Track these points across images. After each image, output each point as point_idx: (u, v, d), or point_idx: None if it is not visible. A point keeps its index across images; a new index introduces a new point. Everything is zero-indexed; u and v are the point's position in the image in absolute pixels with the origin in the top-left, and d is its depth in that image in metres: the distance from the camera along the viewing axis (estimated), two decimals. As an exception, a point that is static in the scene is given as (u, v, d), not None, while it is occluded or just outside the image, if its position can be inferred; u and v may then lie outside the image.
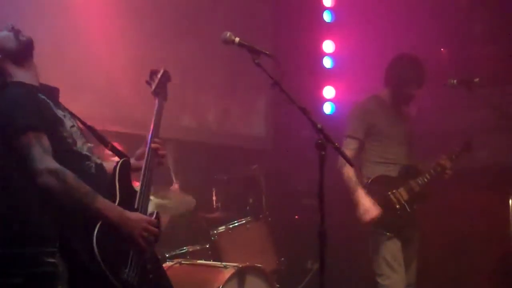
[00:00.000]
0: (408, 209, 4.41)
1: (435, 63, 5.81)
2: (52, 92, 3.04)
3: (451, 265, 5.50)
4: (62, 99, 3.42)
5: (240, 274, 4.20)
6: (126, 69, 5.31)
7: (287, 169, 5.70)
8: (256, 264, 4.39)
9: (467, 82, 4.45)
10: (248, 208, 5.35)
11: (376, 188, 4.40)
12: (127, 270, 2.72)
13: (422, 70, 4.56)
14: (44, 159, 2.68)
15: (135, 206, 2.90)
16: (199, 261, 4.55)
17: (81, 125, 3.08)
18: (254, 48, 2.95)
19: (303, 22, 6.84)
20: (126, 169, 2.99)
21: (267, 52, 2.95)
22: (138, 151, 3.22)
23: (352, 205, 4.48)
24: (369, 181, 4.43)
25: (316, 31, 6.92)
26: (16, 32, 3.01)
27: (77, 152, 2.88)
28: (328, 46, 6.93)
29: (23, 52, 3.00)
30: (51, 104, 2.91)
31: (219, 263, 4.42)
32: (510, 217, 4.93)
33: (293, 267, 5.50)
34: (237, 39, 2.97)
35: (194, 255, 4.72)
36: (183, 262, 4.41)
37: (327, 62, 6.95)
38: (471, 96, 4.51)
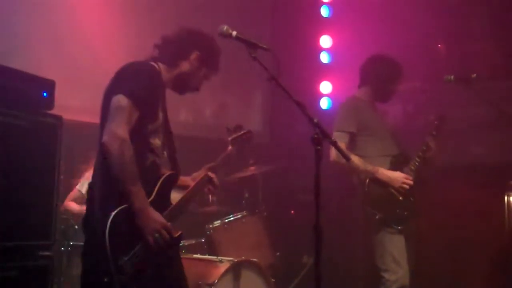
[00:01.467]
0: (411, 198, 4.44)
1: (433, 59, 5.82)
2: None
3: (447, 262, 5.50)
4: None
5: (235, 269, 4.20)
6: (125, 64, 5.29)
7: (283, 164, 5.69)
8: (251, 259, 4.39)
9: (465, 78, 4.46)
10: (244, 202, 5.34)
11: (375, 185, 4.40)
12: (126, 259, 2.81)
13: (400, 67, 4.67)
14: (122, 126, 2.87)
15: (163, 214, 3.01)
16: (194, 255, 4.56)
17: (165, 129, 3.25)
18: (251, 42, 2.95)
19: (301, 17, 6.84)
20: (171, 181, 3.15)
21: (264, 46, 2.96)
22: (196, 174, 3.44)
23: (348, 198, 4.49)
24: (367, 180, 4.42)
25: (314, 26, 6.92)
26: None
27: (147, 143, 3.05)
28: (325, 41, 6.93)
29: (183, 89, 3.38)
30: (161, 102, 3.14)
31: (214, 257, 4.42)
32: (505, 214, 4.94)
33: (288, 262, 5.51)
34: (234, 33, 2.96)
35: (190, 249, 4.72)
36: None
37: (324, 57, 6.95)
38: (468, 92, 4.51)
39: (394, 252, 4.36)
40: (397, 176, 4.42)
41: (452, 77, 4.49)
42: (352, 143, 4.52)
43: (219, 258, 4.33)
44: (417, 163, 4.50)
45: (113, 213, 2.80)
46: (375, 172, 4.40)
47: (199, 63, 3.28)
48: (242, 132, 3.60)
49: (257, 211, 5.21)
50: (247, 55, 2.95)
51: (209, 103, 6.49)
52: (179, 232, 3.06)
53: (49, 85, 3.42)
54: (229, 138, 3.57)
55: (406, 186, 4.39)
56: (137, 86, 2.97)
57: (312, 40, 6.92)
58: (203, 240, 4.85)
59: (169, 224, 2.97)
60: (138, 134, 2.96)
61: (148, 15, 5.64)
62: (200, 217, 5.13)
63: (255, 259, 4.40)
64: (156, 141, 3.11)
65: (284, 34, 6.74)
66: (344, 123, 4.54)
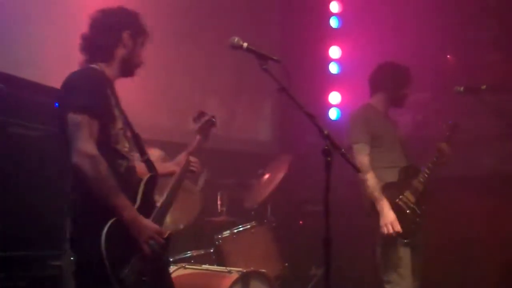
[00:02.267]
0: (418, 212, 4.42)
1: (442, 70, 5.81)
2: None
3: (456, 271, 5.48)
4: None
5: (244, 279, 4.19)
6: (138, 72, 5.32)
7: (293, 175, 5.68)
8: (260, 270, 4.38)
9: (474, 89, 4.45)
10: (252, 213, 5.33)
11: (385, 197, 4.38)
12: (126, 271, 2.81)
13: (409, 71, 4.71)
14: (88, 143, 2.83)
15: (151, 218, 3.04)
16: (203, 266, 4.54)
17: (129, 132, 3.20)
18: (262, 53, 2.96)
19: (310, 28, 6.86)
20: (152, 184, 3.14)
21: (275, 58, 2.97)
22: (179, 158, 3.51)
23: (357, 210, 4.48)
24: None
25: (323, 37, 6.94)
26: None
27: (115, 149, 3.01)
28: (334, 51, 6.94)
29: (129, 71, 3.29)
30: (114, 102, 3.08)
31: (223, 268, 4.41)
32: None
33: (297, 273, 5.49)
34: (245, 44, 2.98)
35: (198, 259, 4.71)
36: (187, 266, 4.40)
37: (333, 68, 6.96)
38: (478, 103, 4.51)
39: (398, 264, 4.34)
40: (388, 217, 4.29)
41: (462, 88, 4.49)
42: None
43: (228, 268, 4.32)
44: (426, 175, 4.48)
45: (105, 229, 2.78)
46: (377, 201, 4.36)
47: (133, 40, 3.23)
48: (205, 119, 3.67)
49: (266, 221, 5.20)
50: (257, 65, 2.96)
51: (218, 113, 6.48)
52: (168, 232, 3.08)
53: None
54: (196, 128, 3.63)
55: (386, 230, 4.28)
56: (86, 96, 2.92)
57: (321, 50, 6.93)
58: (211, 251, 4.84)
59: (160, 228, 3.01)
60: (105, 144, 2.94)
61: (157, 26, 5.64)
62: (209, 227, 5.13)
63: (263, 270, 4.39)
64: (125, 145, 3.08)
65: (293, 44, 6.75)
66: (361, 134, 4.51)
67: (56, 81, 3.46)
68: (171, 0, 5.81)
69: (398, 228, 4.29)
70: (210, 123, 3.71)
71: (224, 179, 5.47)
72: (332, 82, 6.96)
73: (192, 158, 3.54)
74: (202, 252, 4.82)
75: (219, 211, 5.26)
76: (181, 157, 3.55)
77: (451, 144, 4.59)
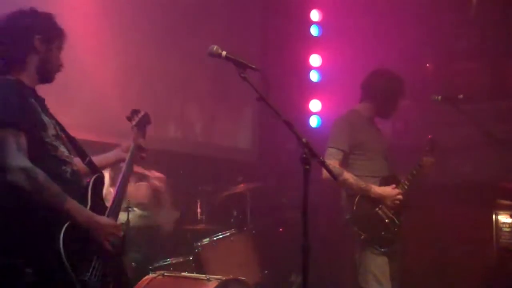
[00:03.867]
0: (396, 222, 4.43)
1: (421, 78, 5.87)
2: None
3: (436, 279, 5.52)
4: (51, 109, 3.42)
5: (223, 287, 4.18)
6: (113, 81, 5.32)
7: (272, 182, 5.70)
8: (239, 277, 4.37)
9: (451, 98, 4.50)
10: (232, 220, 5.33)
11: (363, 205, 4.40)
12: (88, 274, 2.78)
13: (402, 82, 4.64)
14: (17, 157, 2.70)
15: (106, 215, 3.00)
16: (182, 273, 4.52)
17: (64, 136, 3.11)
18: (241, 61, 2.97)
19: (291, 36, 6.89)
20: (99, 183, 3.10)
21: (253, 66, 2.97)
22: (125, 144, 3.43)
23: (336, 217, 4.49)
24: (357, 199, 4.42)
25: (303, 45, 6.97)
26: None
27: (55, 157, 2.92)
28: (315, 60, 6.98)
29: (47, 76, 3.11)
30: (39, 108, 2.95)
31: (202, 275, 4.40)
32: (493, 231, 4.96)
33: (276, 280, 5.50)
34: (224, 53, 2.98)
35: (177, 267, 4.70)
36: (166, 274, 4.38)
37: (314, 76, 7.00)
38: (455, 112, 4.55)
39: (376, 272, 4.35)
40: (389, 193, 4.41)
41: (439, 97, 4.53)
42: (344, 161, 4.48)
43: (207, 276, 4.30)
44: (406, 186, 4.50)
45: (61, 234, 2.70)
46: (369, 190, 4.39)
47: (45, 44, 3.02)
48: (140, 115, 3.59)
49: (245, 229, 5.21)
50: (237, 74, 2.97)
51: (198, 120, 6.50)
52: (121, 223, 3.13)
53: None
54: (132, 125, 3.54)
55: (397, 202, 4.39)
56: (4, 110, 2.76)
57: (302, 58, 6.97)
58: (191, 258, 4.83)
59: (119, 224, 3.00)
60: (42, 153, 2.84)
61: (138, 34, 5.66)
62: (188, 234, 5.12)
63: (243, 278, 4.39)
64: (62, 149, 2.98)
65: (274, 52, 6.78)
66: (338, 140, 4.49)
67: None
68: (151, 7, 5.80)
69: (401, 197, 4.37)
70: (146, 119, 3.61)
71: (204, 186, 5.47)
72: (312, 90, 7.00)
73: (141, 143, 3.45)
74: (181, 260, 4.81)
75: (198, 218, 5.26)
76: (122, 147, 3.47)
77: (431, 159, 4.60)
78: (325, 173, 4.28)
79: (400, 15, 6.15)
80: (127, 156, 3.38)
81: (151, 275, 4.33)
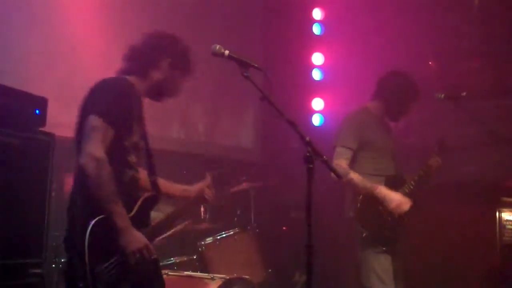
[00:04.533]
0: (400, 221, 4.42)
1: (423, 77, 5.86)
2: None
3: (439, 278, 5.50)
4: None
5: (227, 286, 4.18)
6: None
7: (275, 181, 5.70)
8: (243, 276, 4.38)
9: (455, 96, 4.49)
10: (236, 219, 5.34)
11: (367, 203, 4.39)
12: (103, 267, 2.82)
13: (418, 90, 4.61)
14: (98, 146, 2.87)
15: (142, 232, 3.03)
16: (186, 273, 4.53)
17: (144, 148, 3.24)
18: (244, 61, 2.97)
19: (293, 35, 6.89)
20: (151, 202, 3.15)
21: (256, 65, 2.97)
22: (198, 187, 3.48)
23: (340, 216, 4.49)
24: (361, 197, 4.41)
25: (306, 44, 6.97)
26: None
27: (124, 158, 3.05)
28: (317, 58, 6.98)
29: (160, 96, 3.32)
30: (135, 115, 3.11)
31: (206, 274, 4.40)
32: (497, 230, 4.95)
33: (280, 279, 5.50)
34: (226, 52, 2.98)
35: (181, 266, 4.70)
36: (170, 273, 4.38)
37: (316, 74, 7.00)
38: (458, 110, 4.54)
39: (378, 270, 4.35)
40: (394, 198, 4.39)
41: (442, 95, 4.52)
42: (352, 159, 4.48)
43: (211, 275, 4.31)
44: (411, 187, 4.47)
45: (93, 221, 2.81)
46: (374, 190, 4.38)
47: (171, 69, 3.26)
48: (219, 171, 3.64)
49: (249, 228, 5.21)
50: (240, 73, 2.97)
51: (201, 120, 6.50)
52: (154, 256, 3.06)
53: (42, 103, 3.43)
54: (209, 177, 3.57)
55: (399, 211, 4.37)
56: (109, 104, 2.98)
57: (304, 57, 6.96)
58: (194, 257, 4.83)
59: (150, 245, 2.99)
60: (115, 152, 2.96)
61: (139, 32, 5.65)
62: (192, 234, 5.12)
63: (247, 276, 4.39)
64: (133, 156, 3.10)
65: (276, 51, 6.78)
66: (347, 138, 4.48)
67: (37, 88, 3.45)
68: (152, 6, 5.80)
69: (408, 205, 4.34)
70: (224, 178, 3.71)
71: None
72: (315, 88, 6.99)
73: (207, 192, 3.50)
74: (185, 259, 4.81)
75: (202, 217, 5.26)
76: (194, 187, 3.52)
77: (439, 159, 4.59)
78: (339, 173, 4.25)
79: (402, 13, 6.13)
80: (191, 198, 3.46)
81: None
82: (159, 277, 3.23)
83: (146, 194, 3.13)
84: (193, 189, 3.49)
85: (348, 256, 4.87)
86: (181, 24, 6.07)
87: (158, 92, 3.27)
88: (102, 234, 2.82)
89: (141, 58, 3.22)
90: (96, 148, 2.86)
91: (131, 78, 3.17)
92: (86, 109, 2.99)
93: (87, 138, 2.89)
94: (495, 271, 5.12)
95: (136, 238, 2.91)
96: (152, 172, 3.25)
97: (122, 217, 2.87)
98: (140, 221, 3.03)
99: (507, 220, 4.98)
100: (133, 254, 2.89)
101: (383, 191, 4.37)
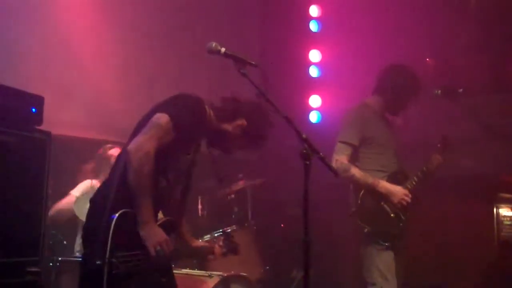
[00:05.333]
0: (402, 217, 4.42)
1: (421, 73, 5.86)
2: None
3: (437, 273, 5.52)
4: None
5: (224, 283, 4.20)
6: (113, 79, 5.32)
7: (273, 178, 5.69)
8: (241, 273, 4.39)
9: (452, 92, 4.50)
10: (233, 216, 5.33)
11: (369, 199, 4.40)
12: (121, 255, 2.84)
13: (419, 84, 4.59)
14: (152, 140, 2.92)
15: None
16: (183, 270, 4.54)
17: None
18: (240, 58, 2.97)
19: (290, 32, 6.88)
20: (169, 227, 3.15)
21: (253, 62, 2.98)
22: (212, 250, 3.59)
23: (337, 212, 4.49)
24: (362, 192, 4.42)
25: (303, 41, 6.97)
26: None
27: (165, 167, 3.09)
28: (314, 55, 6.98)
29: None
30: (197, 139, 3.28)
31: (204, 271, 4.41)
32: (494, 225, 4.97)
33: (278, 276, 5.50)
34: (223, 49, 2.99)
35: (179, 264, 4.69)
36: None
37: (314, 71, 6.99)
38: (455, 106, 4.55)
39: (381, 266, 4.35)
40: (397, 191, 4.40)
41: (439, 91, 4.54)
42: (353, 155, 4.49)
43: (209, 272, 4.32)
44: (414, 182, 4.48)
45: (123, 210, 2.85)
46: (376, 185, 4.38)
47: (241, 132, 3.33)
48: (225, 242, 3.71)
49: (246, 225, 5.21)
50: (236, 70, 2.97)
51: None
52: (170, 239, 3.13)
53: (38, 101, 3.42)
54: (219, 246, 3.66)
55: (404, 203, 4.37)
56: (183, 112, 3.04)
57: (301, 54, 6.96)
58: (192, 255, 4.83)
59: (170, 240, 3.05)
60: (162, 157, 2.99)
61: (136, 30, 5.66)
62: (189, 231, 5.11)
63: (244, 274, 4.40)
64: (171, 174, 3.17)
65: (273, 48, 6.78)
66: (349, 134, 4.49)
67: (35, 87, 3.44)
68: (149, 5, 5.80)
69: (409, 198, 4.36)
70: (233, 247, 3.75)
71: (205, 182, 5.46)
72: (312, 85, 6.99)
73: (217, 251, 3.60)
74: (183, 256, 4.80)
75: (199, 215, 5.25)
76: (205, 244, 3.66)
77: (442, 156, 4.59)
78: (340, 168, 4.26)
79: (399, 9, 6.13)
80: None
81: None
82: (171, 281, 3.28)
83: (171, 218, 3.19)
84: (203, 248, 3.60)
85: (345, 252, 4.88)
86: (176, 20, 6.07)
87: (217, 139, 3.36)
88: (127, 226, 2.87)
89: (226, 104, 3.33)
90: (150, 141, 2.92)
91: (209, 110, 3.25)
92: (158, 109, 3.05)
93: (146, 129, 2.95)
94: (492, 266, 5.13)
95: (158, 232, 2.98)
96: (184, 196, 3.35)
97: (149, 212, 2.94)
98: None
99: (504, 216, 5.00)
100: (153, 246, 2.95)
101: (386, 186, 4.38)
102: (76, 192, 5.01)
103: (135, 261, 2.91)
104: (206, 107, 3.24)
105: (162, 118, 2.98)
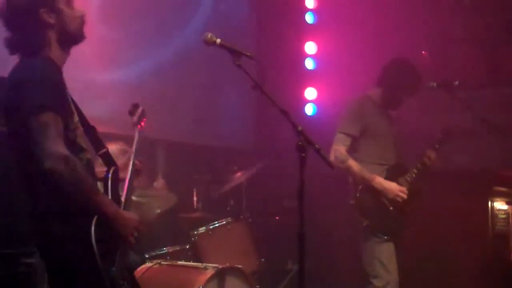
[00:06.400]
0: (402, 210, 4.43)
1: (416, 65, 5.86)
2: None
3: (432, 268, 5.53)
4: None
5: (220, 275, 4.19)
6: (106, 72, 5.30)
7: (268, 170, 5.69)
8: (236, 265, 4.39)
9: (447, 85, 4.49)
10: (228, 209, 5.33)
11: (368, 193, 4.40)
12: (114, 269, 2.74)
13: (419, 79, 4.59)
14: (57, 143, 2.55)
15: (122, 208, 2.94)
16: (179, 262, 4.54)
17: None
18: (235, 49, 2.96)
19: (286, 24, 6.86)
20: (117, 176, 3.01)
21: (248, 54, 2.96)
22: (120, 162, 3.24)
23: (335, 206, 4.49)
24: (361, 186, 4.42)
25: (299, 33, 6.94)
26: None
27: (75, 143, 2.77)
28: (310, 47, 6.96)
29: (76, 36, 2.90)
30: (69, 95, 2.85)
31: (199, 264, 4.40)
32: (489, 219, 4.98)
33: (273, 268, 5.50)
34: (218, 40, 2.97)
35: (174, 255, 4.70)
36: (162, 262, 4.39)
37: (309, 64, 6.98)
38: (450, 99, 4.55)
39: (383, 258, 4.37)
40: (392, 188, 4.40)
41: (434, 84, 4.53)
42: (352, 146, 4.49)
43: (204, 264, 4.31)
44: (414, 175, 4.49)
45: (92, 229, 2.63)
46: (371, 180, 4.38)
47: (54, 13, 2.80)
48: (139, 111, 3.52)
49: (242, 217, 5.20)
50: (232, 62, 2.96)
51: (193, 109, 6.47)
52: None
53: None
54: (134, 120, 3.49)
55: (399, 199, 4.38)
56: (45, 92, 2.62)
57: (297, 46, 6.94)
58: (187, 247, 4.83)
59: (139, 218, 2.91)
60: (66, 140, 2.66)
61: (131, 25, 5.62)
62: (185, 223, 5.12)
63: (239, 266, 4.40)
64: (81, 140, 2.87)
65: (269, 40, 6.75)
66: (349, 125, 4.49)
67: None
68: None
69: (405, 194, 4.37)
70: (144, 113, 3.55)
71: (200, 175, 5.47)
72: (308, 77, 6.97)
73: (136, 161, 3.32)
74: (178, 248, 4.81)
75: (195, 207, 5.25)
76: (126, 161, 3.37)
77: (438, 150, 4.58)
78: (332, 159, 4.26)
79: (395, 2, 6.12)
80: (133, 151, 3.31)
81: (148, 264, 4.34)
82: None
83: (108, 171, 2.97)
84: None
85: (341, 244, 4.88)
86: (170, 13, 6.04)
87: (70, 39, 2.90)
88: (102, 238, 2.66)
89: (25, 35, 2.77)
90: (57, 146, 2.54)
91: (42, 54, 2.76)
92: (21, 107, 2.60)
93: (40, 139, 2.54)
94: (487, 260, 5.14)
95: (128, 218, 2.81)
96: (99, 145, 3.06)
97: (109, 205, 2.73)
98: (116, 201, 2.91)
99: (499, 210, 5.00)
100: (131, 235, 2.80)
101: (381, 182, 4.38)
102: None
103: (122, 263, 2.83)
104: (44, 56, 2.77)
105: (42, 116, 2.55)
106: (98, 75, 5.27)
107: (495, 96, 5.64)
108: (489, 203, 4.98)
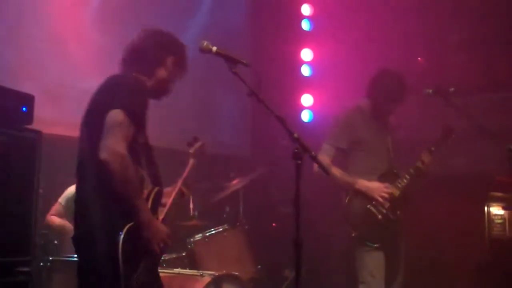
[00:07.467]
0: (391, 217, 4.43)
1: (412, 72, 5.87)
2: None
3: (428, 272, 5.53)
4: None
5: (216, 282, 4.19)
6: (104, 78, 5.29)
7: (265, 177, 5.69)
8: (232, 272, 4.39)
9: (443, 91, 4.50)
10: (225, 216, 5.33)
11: (355, 203, 4.41)
12: (135, 276, 2.86)
13: (405, 89, 4.59)
14: (120, 142, 2.83)
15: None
16: (175, 270, 4.53)
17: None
18: (231, 57, 2.97)
19: (282, 31, 6.89)
20: (159, 197, 3.19)
21: (244, 61, 2.98)
22: (169, 189, 3.55)
23: (329, 212, 4.49)
24: (348, 197, 4.43)
25: (295, 40, 6.97)
26: None
27: (137, 157, 3.02)
28: (306, 54, 6.98)
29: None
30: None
31: (195, 271, 4.41)
32: (485, 224, 4.98)
33: (270, 275, 5.50)
34: (214, 48, 2.98)
35: (171, 263, 4.69)
36: (159, 270, 4.37)
37: (305, 70, 7.00)
38: (446, 105, 4.55)
39: (370, 265, 4.38)
40: (375, 185, 4.42)
41: (430, 90, 4.53)
42: (344, 158, 4.52)
43: (200, 272, 4.31)
44: (405, 180, 4.49)
45: (123, 233, 2.81)
46: (354, 184, 4.40)
47: (174, 67, 3.28)
48: (199, 144, 3.81)
49: (238, 224, 5.20)
50: (228, 69, 2.97)
51: (190, 116, 6.47)
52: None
53: (28, 100, 3.41)
54: (190, 151, 3.78)
55: (385, 195, 4.39)
56: (132, 100, 2.95)
57: (293, 53, 6.97)
58: (184, 254, 4.83)
59: (170, 232, 3.09)
60: (132, 150, 2.93)
61: (127, 29, 5.63)
62: (181, 230, 5.11)
63: (236, 273, 4.40)
64: (143, 158, 3.13)
65: (265, 47, 6.78)
66: (335, 137, 4.53)
67: (26, 85, 3.42)
68: (142, 4, 5.79)
69: (388, 191, 4.38)
70: (204, 148, 3.83)
71: (196, 183, 5.45)
72: (304, 84, 7.00)
73: (184, 189, 3.65)
74: (175, 256, 4.80)
75: (191, 214, 5.24)
76: (172, 188, 3.62)
77: (434, 153, 4.58)
78: (316, 166, 4.27)
79: (390, 9, 6.15)
80: (182, 178, 3.64)
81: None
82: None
83: (155, 189, 3.14)
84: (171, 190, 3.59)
85: (337, 252, 4.88)
86: (168, 19, 6.05)
87: (161, 91, 3.29)
88: (130, 244, 2.83)
89: (147, 57, 3.20)
90: (119, 144, 2.82)
91: (141, 77, 3.18)
92: (106, 104, 2.93)
93: (109, 132, 2.84)
94: (484, 265, 5.14)
95: (159, 229, 3.00)
96: (154, 166, 3.24)
97: (146, 211, 2.93)
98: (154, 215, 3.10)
99: (495, 215, 5.00)
100: (158, 244, 2.97)
101: (363, 183, 4.40)
102: (62, 200, 5.01)
103: (144, 273, 2.94)
104: (138, 76, 3.17)
105: (118, 116, 2.86)
106: (95, 83, 5.26)
107: (490, 102, 5.66)
108: (486, 208, 4.98)
